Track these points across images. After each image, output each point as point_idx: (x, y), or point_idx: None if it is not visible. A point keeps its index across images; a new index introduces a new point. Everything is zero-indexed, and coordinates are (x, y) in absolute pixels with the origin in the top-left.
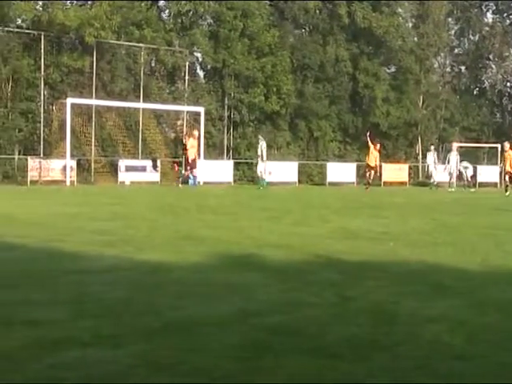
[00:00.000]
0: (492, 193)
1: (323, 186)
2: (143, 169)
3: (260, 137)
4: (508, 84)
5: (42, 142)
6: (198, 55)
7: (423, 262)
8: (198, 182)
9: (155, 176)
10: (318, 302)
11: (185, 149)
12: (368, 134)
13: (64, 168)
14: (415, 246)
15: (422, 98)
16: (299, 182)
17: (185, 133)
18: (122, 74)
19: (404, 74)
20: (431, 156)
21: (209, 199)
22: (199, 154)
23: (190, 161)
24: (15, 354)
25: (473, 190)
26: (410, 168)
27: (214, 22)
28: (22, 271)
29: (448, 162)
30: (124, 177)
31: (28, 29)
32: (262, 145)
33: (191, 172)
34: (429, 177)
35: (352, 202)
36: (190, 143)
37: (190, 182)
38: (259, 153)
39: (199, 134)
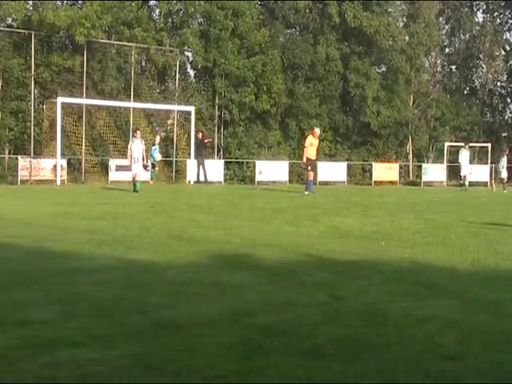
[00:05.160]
0: (483, 192)
1: (314, 185)
2: None
3: (139, 137)
4: (498, 83)
5: (32, 142)
6: (189, 54)
7: (414, 262)
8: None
9: (146, 175)
10: (310, 302)
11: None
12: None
13: (54, 167)
14: (406, 245)
15: (412, 97)
16: (290, 181)
17: (175, 132)
18: (113, 74)
19: (395, 73)
20: (465, 154)
21: (200, 199)
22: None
23: (308, 161)
24: (7, 354)
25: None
26: (400, 167)
27: (204, 21)
28: (13, 271)
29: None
30: (114, 175)
31: (18, 28)
32: (142, 145)
33: (308, 175)
34: (460, 177)
35: (343, 202)
36: (309, 141)
37: (310, 186)
38: (141, 154)
39: (189, 134)
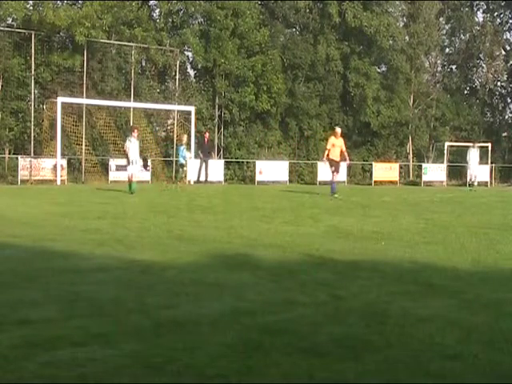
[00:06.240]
0: (483, 191)
1: (314, 185)
2: None
3: (136, 136)
4: (498, 83)
5: (32, 142)
6: (189, 54)
7: (415, 262)
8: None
9: (146, 175)
10: (310, 302)
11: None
12: None
13: (55, 167)
14: (407, 245)
15: (412, 97)
16: (290, 181)
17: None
18: (113, 73)
19: (395, 73)
20: (474, 154)
21: (200, 199)
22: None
23: (332, 162)
24: (7, 354)
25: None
26: (400, 167)
27: (204, 21)
28: (13, 270)
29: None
30: (114, 175)
31: (18, 28)
32: (138, 144)
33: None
34: (470, 177)
35: (343, 202)
36: (331, 142)
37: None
38: (137, 154)
39: (189, 134)
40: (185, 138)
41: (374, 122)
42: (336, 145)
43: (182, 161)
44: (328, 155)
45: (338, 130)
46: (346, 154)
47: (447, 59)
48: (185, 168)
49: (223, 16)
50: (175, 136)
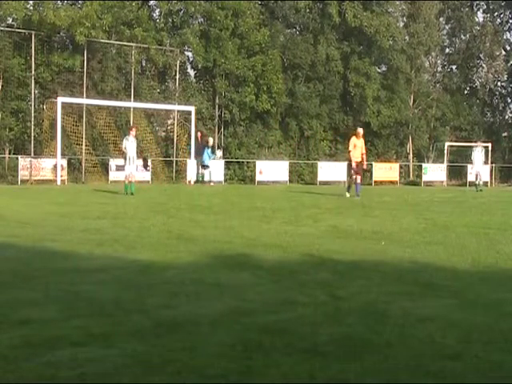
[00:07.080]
0: (483, 191)
1: (314, 185)
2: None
3: (133, 135)
4: (499, 83)
5: (32, 142)
6: (189, 54)
7: (415, 262)
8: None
9: (146, 175)
10: (310, 302)
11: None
12: None
13: (55, 167)
14: (407, 245)
15: (412, 97)
16: (290, 181)
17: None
18: (113, 74)
19: (395, 73)
20: (479, 153)
21: (200, 198)
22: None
23: (354, 165)
24: (7, 354)
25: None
26: (400, 167)
27: (204, 21)
28: (13, 271)
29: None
30: (114, 175)
31: (19, 28)
32: (135, 143)
33: (355, 178)
34: (477, 177)
35: (343, 202)
36: (352, 142)
37: (358, 188)
38: (135, 153)
39: (189, 133)
40: (211, 140)
41: (374, 122)
42: (357, 145)
43: (206, 162)
44: (350, 157)
45: (360, 130)
46: (364, 155)
47: (447, 59)
48: (209, 169)
49: (223, 16)
50: (175, 136)
